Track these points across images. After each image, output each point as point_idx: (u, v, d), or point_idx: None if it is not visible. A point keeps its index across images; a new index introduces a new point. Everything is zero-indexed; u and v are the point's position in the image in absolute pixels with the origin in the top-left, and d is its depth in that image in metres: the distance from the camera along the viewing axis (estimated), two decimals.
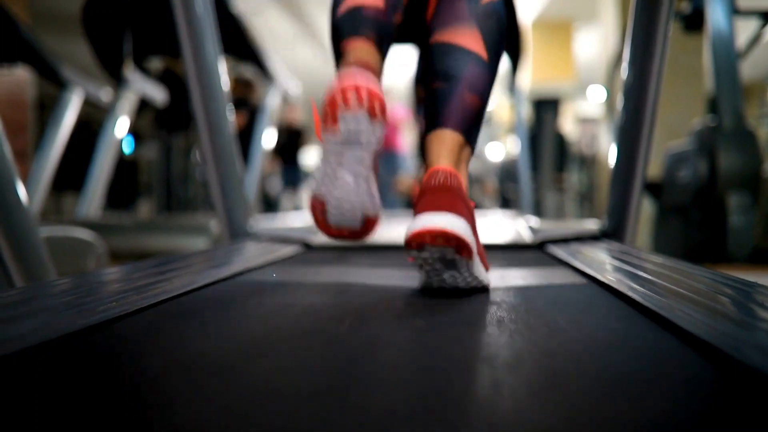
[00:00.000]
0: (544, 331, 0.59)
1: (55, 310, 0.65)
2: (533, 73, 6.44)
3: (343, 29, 0.96)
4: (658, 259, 1.03)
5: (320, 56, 8.01)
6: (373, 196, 0.82)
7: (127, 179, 5.56)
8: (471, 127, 0.89)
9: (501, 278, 0.93)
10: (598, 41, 6.18)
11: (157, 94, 3.49)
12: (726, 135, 2.65)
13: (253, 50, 3.05)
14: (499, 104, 8.56)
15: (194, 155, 4.84)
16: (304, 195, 6.85)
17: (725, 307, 0.64)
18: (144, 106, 3.59)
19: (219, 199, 1.58)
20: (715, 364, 0.46)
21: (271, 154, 4.75)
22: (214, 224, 2.47)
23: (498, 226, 2.16)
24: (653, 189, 3.16)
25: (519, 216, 3.08)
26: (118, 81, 3.19)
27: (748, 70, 2.98)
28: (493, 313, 0.68)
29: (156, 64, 4.20)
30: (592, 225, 1.74)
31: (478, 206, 1.00)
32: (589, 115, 8.98)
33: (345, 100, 0.79)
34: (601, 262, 1.06)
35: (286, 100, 3.91)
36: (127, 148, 5.54)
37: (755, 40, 2.83)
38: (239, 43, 2.94)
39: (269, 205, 5.51)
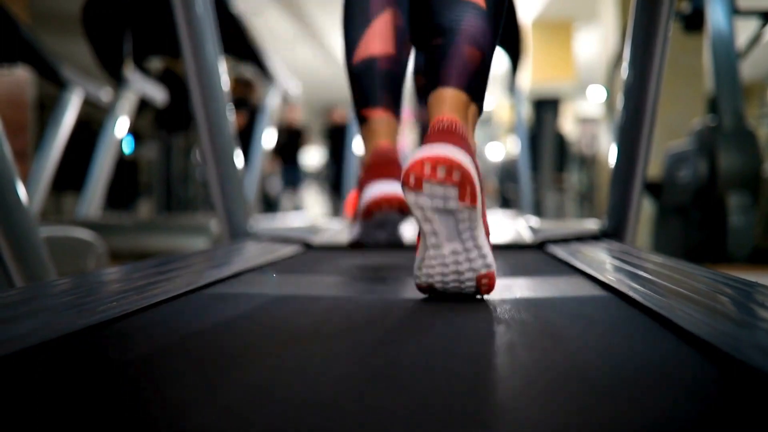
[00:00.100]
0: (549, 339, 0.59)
1: (55, 310, 0.65)
2: (533, 73, 6.44)
3: (361, 91, 1.10)
4: (659, 258, 1.03)
5: (320, 56, 8.01)
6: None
7: (127, 179, 5.55)
8: (475, 83, 0.81)
9: (505, 287, 0.92)
10: (598, 41, 6.18)
11: (157, 94, 3.49)
12: (726, 135, 2.65)
13: (253, 50, 3.05)
14: (499, 104, 8.56)
15: (194, 155, 4.84)
16: (304, 195, 6.86)
17: (725, 306, 0.64)
18: (144, 106, 3.59)
19: (219, 199, 1.58)
20: (716, 364, 0.46)
21: (271, 154, 4.75)
22: (214, 224, 2.47)
23: (498, 226, 2.16)
24: (653, 189, 3.16)
25: (519, 216, 3.08)
26: (118, 81, 3.18)
27: (748, 70, 2.98)
28: (499, 321, 0.68)
29: (156, 64, 4.20)
30: (592, 225, 1.74)
31: None
32: (589, 115, 8.99)
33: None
34: (602, 262, 1.06)
35: (286, 100, 3.91)
36: (127, 148, 5.54)
37: (755, 40, 2.83)
38: (239, 43, 2.94)
39: (269, 205, 5.51)
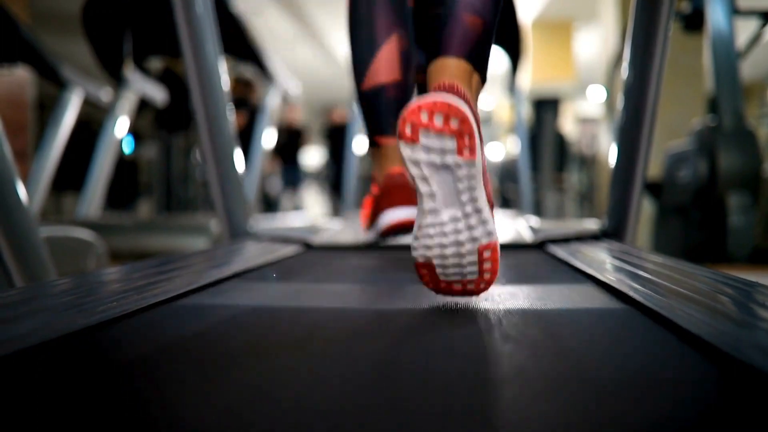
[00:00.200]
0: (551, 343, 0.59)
1: (55, 310, 0.65)
2: (533, 73, 6.44)
3: (372, 118, 1.18)
4: (659, 258, 1.03)
5: (320, 56, 8.01)
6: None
7: (127, 179, 5.55)
8: (476, 51, 0.77)
9: (510, 294, 0.92)
10: (598, 41, 6.18)
11: (157, 94, 3.49)
12: (726, 135, 2.65)
13: (253, 50, 3.05)
14: (499, 104, 8.57)
15: (194, 155, 4.84)
16: (304, 195, 6.86)
17: (726, 306, 0.64)
18: (144, 106, 3.59)
19: (219, 199, 1.58)
20: (716, 364, 0.46)
21: (271, 154, 4.75)
22: (214, 224, 2.47)
23: (498, 225, 2.16)
24: (653, 189, 3.16)
25: (519, 216, 3.08)
26: (118, 81, 3.18)
27: (748, 70, 2.98)
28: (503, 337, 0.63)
29: (156, 64, 4.20)
30: (592, 225, 1.74)
31: None
32: (589, 115, 8.99)
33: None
34: (602, 262, 1.06)
35: (286, 100, 3.90)
36: (127, 148, 5.54)
37: (755, 40, 2.83)
38: (239, 43, 2.94)
39: (269, 205, 5.51)
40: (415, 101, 0.63)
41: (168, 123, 4.65)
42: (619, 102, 1.43)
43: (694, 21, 3.01)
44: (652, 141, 1.38)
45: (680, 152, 2.93)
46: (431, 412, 0.38)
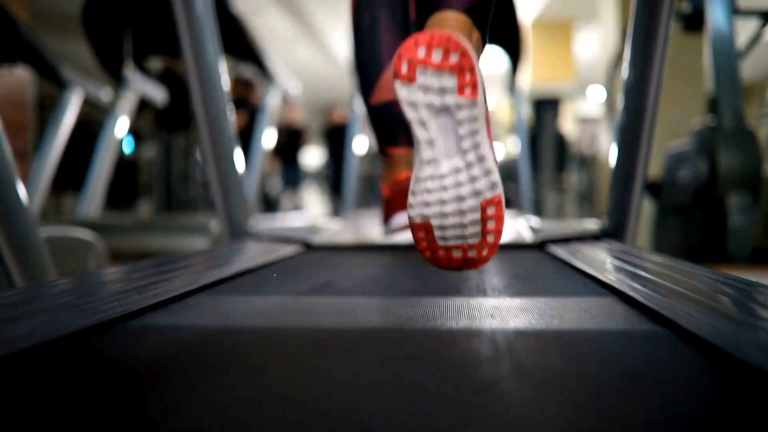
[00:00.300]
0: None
1: (55, 310, 0.65)
2: (533, 73, 6.44)
3: (380, 130, 1.19)
4: (659, 258, 1.03)
5: (320, 56, 8.01)
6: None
7: (127, 179, 5.55)
8: (477, 7, 0.71)
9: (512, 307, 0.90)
10: (598, 41, 6.18)
11: (157, 94, 3.49)
12: (726, 135, 2.65)
13: (253, 50, 3.05)
14: (499, 104, 8.57)
15: (195, 155, 4.84)
16: (304, 195, 6.86)
17: (726, 306, 0.64)
18: (144, 106, 3.59)
19: (219, 199, 1.58)
20: (716, 363, 0.46)
21: (271, 154, 4.75)
22: (214, 224, 2.47)
23: None
24: (653, 189, 3.16)
25: (519, 216, 3.08)
26: (118, 81, 3.19)
27: (748, 70, 2.98)
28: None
29: (156, 64, 4.20)
30: (592, 225, 1.74)
31: None
32: (589, 115, 8.99)
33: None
34: (602, 262, 1.06)
35: (286, 100, 3.90)
36: (127, 148, 5.54)
37: (755, 40, 2.83)
38: (239, 43, 2.94)
39: (269, 205, 5.52)
40: (412, 36, 0.58)
41: (168, 123, 4.65)
42: (619, 102, 1.43)
43: (694, 21, 3.01)
44: (652, 141, 1.38)
45: (680, 152, 2.93)
46: None
